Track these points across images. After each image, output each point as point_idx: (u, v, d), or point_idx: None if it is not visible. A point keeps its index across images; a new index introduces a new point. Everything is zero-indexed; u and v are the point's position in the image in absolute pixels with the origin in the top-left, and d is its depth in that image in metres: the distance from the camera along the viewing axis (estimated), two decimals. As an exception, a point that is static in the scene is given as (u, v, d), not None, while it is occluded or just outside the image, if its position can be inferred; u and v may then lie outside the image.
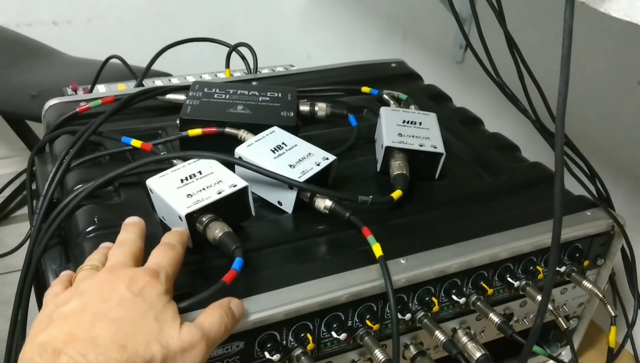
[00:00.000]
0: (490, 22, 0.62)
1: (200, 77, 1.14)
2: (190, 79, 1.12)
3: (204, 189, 0.54)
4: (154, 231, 0.55)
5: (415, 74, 0.91)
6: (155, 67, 1.33)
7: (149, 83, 1.11)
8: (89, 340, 0.39)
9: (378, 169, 0.67)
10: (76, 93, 1.06)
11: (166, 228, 0.56)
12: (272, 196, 0.60)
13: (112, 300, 0.42)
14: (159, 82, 1.10)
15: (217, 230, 0.51)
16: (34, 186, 0.72)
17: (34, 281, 0.58)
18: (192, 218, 0.52)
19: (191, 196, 0.53)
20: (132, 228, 0.51)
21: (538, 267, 0.60)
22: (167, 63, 1.16)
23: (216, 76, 1.15)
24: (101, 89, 1.06)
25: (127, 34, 1.67)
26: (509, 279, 0.59)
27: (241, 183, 0.55)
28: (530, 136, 0.92)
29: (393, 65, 0.92)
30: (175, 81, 1.11)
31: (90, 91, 0.98)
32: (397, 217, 0.61)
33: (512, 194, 0.66)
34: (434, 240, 0.57)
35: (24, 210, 1.80)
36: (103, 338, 0.39)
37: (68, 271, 0.51)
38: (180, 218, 0.52)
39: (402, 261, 0.54)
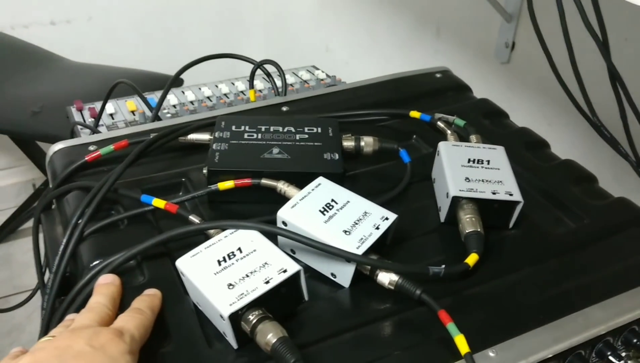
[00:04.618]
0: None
1: (216, 86, 1.04)
2: (205, 90, 1.02)
3: (247, 276, 0.45)
4: (185, 318, 0.47)
5: (463, 86, 0.80)
6: (164, 71, 1.23)
7: (158, 94, 1.01)
8: None
9: (442, 219, 0.57)
10: (81, 113, 0.96)
11: (201, 315, 0.47)
12: (325, 267, 0.51)
13: (67, 354, 0.38)
14: (171, 97, 0.99)
15: (269, 335, 0.42)
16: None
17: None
18: (236, 316, 0.43)
19: (233, 286, 0.44)
20: (104, 290, 0.48)
21: (643, 340, 0.51)
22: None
23: (233, 84, 1.05)
24: (108, 107, 0.96)
25: (131, 32, 1.56)
26: (610, 358, 0.50)
27: (292, 267, 0.45)
28: (589, 147, 0.82)
29: (438, 75, 0.81)
30: (189, 94, 1.01)
31: (98, 116, 0.88)
32: (470, 285, 0.51)
33: (600, 244, 0.56)
34: (522, 319, 0.48)
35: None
36: None
37: (18, 348, 0.44)
38: (222, 317, 0.43)
39: (491, 353, 0.45)
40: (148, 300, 0.47)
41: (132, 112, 0.96)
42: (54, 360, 0.38)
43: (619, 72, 0.54)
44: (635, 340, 0.51)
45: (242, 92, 1.01)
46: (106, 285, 0.48)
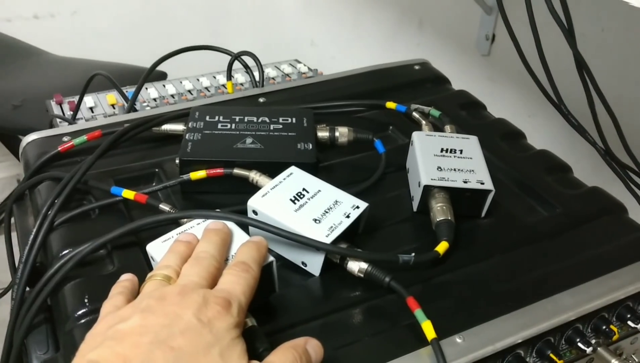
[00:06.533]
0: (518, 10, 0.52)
1: (198, 80, 1.04)
2: (186, 84, 1.02)
3: (215, 264, 0.45)
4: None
5: (442, 77, 0.81)
6: (145, 64, 1.22)
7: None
8: None
9: (415, 209, 0.57)
10: (60, 107, 0.96)
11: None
12: (295, 256, 0.51)
13: (175, 326, 0.37)
14: (152, 90, 0.99)
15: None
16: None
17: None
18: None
19: (200, 274, 0.44)
20: (214, 237, 0.45)
21: (612, 327, 0.51)
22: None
23: (215, 77, 1.05)
24: (88, 101, 0.95)
25: (117, 26, 1.55)
26: (579, 344, 0.50)
27: (265, 258, 0.45)
28: (569, 138, 0.82)
29: (416, 67, 0.81)
30: (169, 87, 1.00)
31: (76, 109, 0.87)
32: (441, 272, 0.51)
33: (572, 233, 0.56)
34: (491, 305, 0.48)
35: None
36: None
37: (129, 276, 0.45)
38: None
39: (458, 339, 0.45)
40: (255, 250, 0.44)
41: (112, 105, 0.95)
42: (161, 330, 0.36)
43: (594, 61, 0.54)
44: (604, 327, 0.51)
45: (223, 85, 1.01)
46: (215, 231, 0.45)
